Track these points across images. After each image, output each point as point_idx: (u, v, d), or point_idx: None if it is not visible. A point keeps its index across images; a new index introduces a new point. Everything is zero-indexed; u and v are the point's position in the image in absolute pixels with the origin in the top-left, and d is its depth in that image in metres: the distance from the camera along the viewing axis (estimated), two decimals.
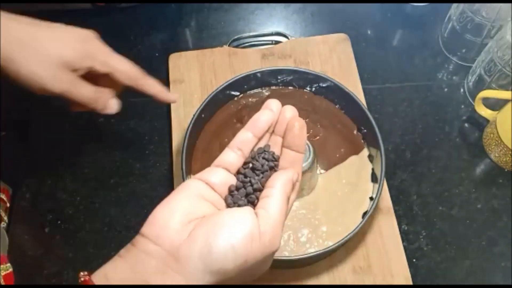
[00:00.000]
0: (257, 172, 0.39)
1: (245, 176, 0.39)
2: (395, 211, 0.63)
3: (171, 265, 0.33)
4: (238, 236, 0.33)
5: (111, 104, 0.53)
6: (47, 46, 0.47)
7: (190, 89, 0.71)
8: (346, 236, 0.54)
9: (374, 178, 0.61)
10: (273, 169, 0.40)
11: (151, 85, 0.54)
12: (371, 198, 0.60)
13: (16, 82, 0.47)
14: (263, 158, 0.40)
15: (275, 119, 0.40)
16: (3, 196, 0.64)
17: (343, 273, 0.59)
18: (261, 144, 0.41)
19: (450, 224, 0.63)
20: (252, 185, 0.38)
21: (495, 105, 0.66)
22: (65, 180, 0.66)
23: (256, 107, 0.65)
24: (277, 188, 0.37)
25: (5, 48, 0.46)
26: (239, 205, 0.38)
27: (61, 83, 0.48)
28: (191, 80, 0.72)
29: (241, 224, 0.34)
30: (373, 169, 0.62)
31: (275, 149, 0.40)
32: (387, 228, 0.61)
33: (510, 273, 0.60)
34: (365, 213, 0.58)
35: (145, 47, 0.77)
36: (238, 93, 0.66)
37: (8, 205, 0.64)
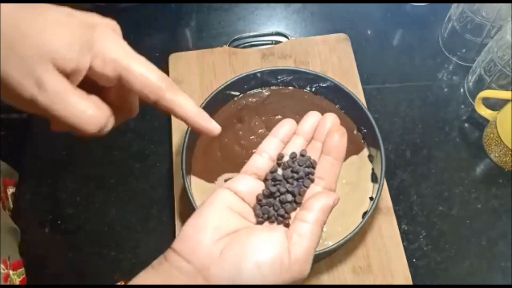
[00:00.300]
0: (290, 180, 0.38)
1: (274, 181, 0.38)
2: (395, 211, 0.63)
3: (199, 283, 0.34)
4: (267, 262, 0.33)
5: (109, 127, 0.33)
6: (37, 36, 0.29)
7: (190, 89, 0.71)
8: (346, 236, 0.54)
9: (374, 178, 0.61)
10: (308, 176, 0.38)
11: (181, 105, 0.34)
12: (371, 198, 0.60)
13: None
14: (298, 163, 0.38)
15: (296, 123, 0.41)
16: (10, 189, 0.64)
17: (343, 273, 0.59)
18: (297, 151, 0.40)
19: (450, 224, 0.63)
20: (280, 195, 0.37)
21: (495, 105, 0.66)
22: (65, 180, 0.66)
23: (256, 107, 0.65)
24: (314, 213, 0.36)
25: None
26: (268, 217, 0.37)
27: (43, 91, 0.30)
28: (191, 80, 0.72)
29: (272, 249, 0.34)
30: (373, 169, 0.62)
31: (313, 154, 0.40)
32: (387, 228, 0.61)
33: (510, 273, 0.60)
34: (365, 213, 0.58)
35: (145, 47, 0.76)
36: (238, 93, 0.66)
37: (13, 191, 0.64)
